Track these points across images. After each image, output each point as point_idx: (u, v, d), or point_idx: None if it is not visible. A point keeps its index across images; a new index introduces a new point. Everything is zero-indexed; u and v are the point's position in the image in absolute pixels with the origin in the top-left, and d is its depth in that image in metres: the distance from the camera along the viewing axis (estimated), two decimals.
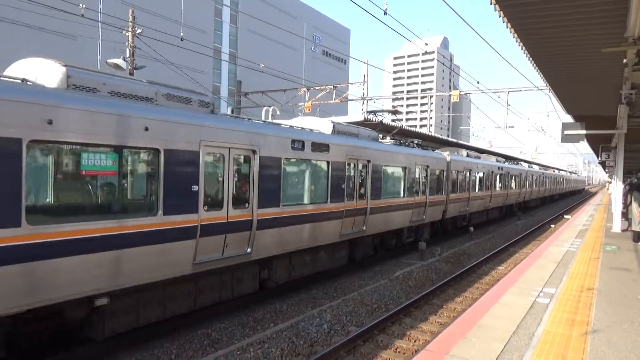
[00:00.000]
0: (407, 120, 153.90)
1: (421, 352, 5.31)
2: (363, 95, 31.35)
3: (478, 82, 25.46)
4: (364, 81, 31.48)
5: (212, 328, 8.42)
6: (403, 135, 18.59)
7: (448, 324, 7.43)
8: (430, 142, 24.09)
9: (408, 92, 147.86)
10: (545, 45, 8.48)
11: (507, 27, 7.42)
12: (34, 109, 5.56)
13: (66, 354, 6.86)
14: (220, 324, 8.69)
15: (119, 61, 15.25)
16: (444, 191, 18.30)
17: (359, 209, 12.26)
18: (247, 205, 8.71)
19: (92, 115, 6.17)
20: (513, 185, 30.17)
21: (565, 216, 30.02)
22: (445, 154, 19.01)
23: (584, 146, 35.33)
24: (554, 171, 57.11)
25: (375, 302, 10.06)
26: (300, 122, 12.62)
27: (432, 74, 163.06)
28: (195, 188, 7.55)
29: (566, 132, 15.46)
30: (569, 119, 18.35)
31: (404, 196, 14.86)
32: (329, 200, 11.08)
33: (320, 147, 10.76)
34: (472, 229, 21.16)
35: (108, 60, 15.47)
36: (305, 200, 10.56)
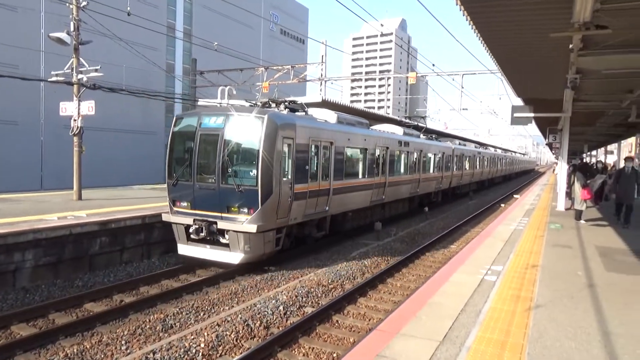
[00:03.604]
0: (365, 102, 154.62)
1: (373, 331, 5.39)
2: (321, 75, 31.11)
3: (433, 65, 25.78)
4: (322, 62, 31.20)
5: (165, 313, 8.26)
6: (426, 132, 26.09)
7: (401, 303, 7.59)
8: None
9: (366, 73, 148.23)
10: (495, 29, 8.60)
11: (461, 10, 7.47)
12: (328, 132, 13.18)
13: None
14: (174, 308, 8.55)
15: (63, 35, 14.30)
16: (450, 169, 27.28)
17: (416, 179, 20.99)
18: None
19: (348, 134, 14.37)
20: (487, 165, 39.76)
21: (514, 196, 31.20)
22: (450, 144, 28.03)
23: (533, 128, 36.77)
24: (512, 154, 68.25)
25: (332, 283, 10.16)
26: (385, 127, 20.18)
27: (390, 56, 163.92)
28: (374, 165, 16.36)
29: (515, 114, 15.92)
30: (519, 102, 18.90)
31: (434, 172, 24.01)
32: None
33: (408, 144, 19.67)
34: (426, 209, 21.66)
35: (50, 34, 14.54)
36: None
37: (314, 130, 12.41)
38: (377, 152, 16.54)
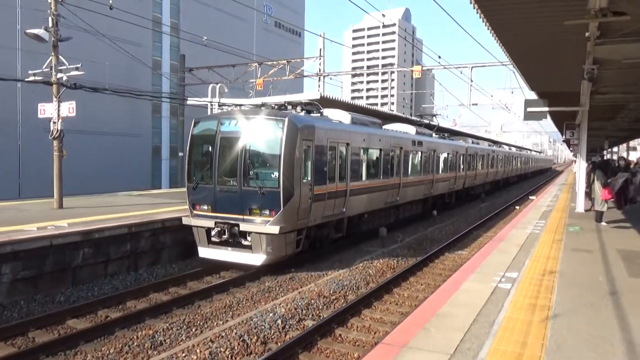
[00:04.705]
0: (367, 98, 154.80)
1: (378, 345, 5.40)
2: (319, 71, 31.20)
3: (440, 57, 25.83)
4: (320, 56, 31.29)
5: (154, 329, 8.25)
6: (438, 131, 26.62)
7: (409, 314, 7.59)
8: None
9: (368, 67, 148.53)
10: (506, 17, 8.64)
11: None
12: (345, 133, 14.13)
13: None
14: (164, 324, 8.54)
15: (41, 32, 14.31)
16: (464, 169, 27.88)
17: (430, 179, 21.82)
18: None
19: (364, 135, 15.16)
20: (501, 164, 40.53)
21: (530, 197, 31.20)
22: (463, 143, 28.67)
23: (549, 124, 36.90)
24: (527, 152, 69.39)
25: (334, 293, 10.15)
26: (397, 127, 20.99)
27: (394, 49, 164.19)
28: (389, 165, 17.14)
29: (529, 109, 15.92)
30: (533, 95, 18.94)
31: (447, 172, 24.75)
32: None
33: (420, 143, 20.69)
34: (435, 212, 21.69)
35: (27, 31, 14.56)
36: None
37: (331, 131, 13.28)
38: (391, 153, 17.36)
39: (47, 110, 15.53)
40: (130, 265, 12.33)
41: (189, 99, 27.81)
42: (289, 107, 13.36)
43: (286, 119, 11.43)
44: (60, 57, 15.27)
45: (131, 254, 12.34)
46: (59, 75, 15.12)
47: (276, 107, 13.22)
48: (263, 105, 13.76)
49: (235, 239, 11.66)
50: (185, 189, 13.05)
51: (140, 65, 31.04)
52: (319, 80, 30.91)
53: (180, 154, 32.47)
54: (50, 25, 14.91)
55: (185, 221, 12.41)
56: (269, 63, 31.29)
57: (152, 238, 12.80)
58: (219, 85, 26.48)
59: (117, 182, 33.32)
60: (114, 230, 11.88)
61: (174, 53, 45.39)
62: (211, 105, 25.25)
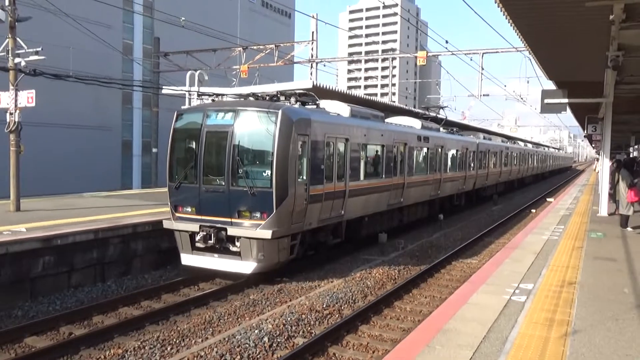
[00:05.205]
0: (365, 87, 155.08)
1: None
2: (312, 56, 31.22)
3: (447, 42, 25.93)
4: (312, 40, 31.31)
5: (124, 347, 8.23)
6: (446, 125, 27.09)
7: (411, 330, 7.61)
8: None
9: (367, 53, 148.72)
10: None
11: None
12: (344, 127, 14.32)
13: None
14: (135, 341, 8.51)
15: None
16: (475, 168, 28.22)
17: (437, 179, 22.01)
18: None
19: (364, 129, 15.35)
20: (515, 163, 40.96)
21: (547, 199, 31.44)
22: (474, 138, 29.22)
23: (569, 118, 37.25)
24: (545, 149, 70.90)
25: (327, 307, 10.18)
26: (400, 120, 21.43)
27: (396, 32, 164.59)
28: (392, 163, 17.29)
29: (546, 100, 16.01)
30: (551, 85, 19.06)
31: (456, 171, 24.98)
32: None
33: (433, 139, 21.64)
34: (441, 216, 21.76)
35: None
36: None
37: (329, 125, 13.47)
38: (395, 149, 17.54)
39: (2, 99, 15.42)
40: (97, 275, 12.28)
41: (164, 87, 27.69)
42: (282, 97, 13.39)
43: (279, 112, 11.49)
44: (18, 39, 15.19)
45: (98, 263, 12.30)
46: (17, 60, 15.02)
47: (268, 98, 13.30)
48: (252, 95, 13.77)
49: (222, 244, 11.67)
50: (162, 189, 13.04)
51: (109, 49, 30.84)
52: (311, 67, 30.94)
53: (154, 149, 32.31)
54: (7, 3, 14.81)
55: (166, 225, 12.45)
56: (255, 47, 31.26)
57: (121, 245, 12.76)
58: (198, 72, 26.37)
59: (82, 181, 33.17)
60: (79, 236, 11.83)
61: (147, 36, 45.22)
62: (189, 94, 25.19)
